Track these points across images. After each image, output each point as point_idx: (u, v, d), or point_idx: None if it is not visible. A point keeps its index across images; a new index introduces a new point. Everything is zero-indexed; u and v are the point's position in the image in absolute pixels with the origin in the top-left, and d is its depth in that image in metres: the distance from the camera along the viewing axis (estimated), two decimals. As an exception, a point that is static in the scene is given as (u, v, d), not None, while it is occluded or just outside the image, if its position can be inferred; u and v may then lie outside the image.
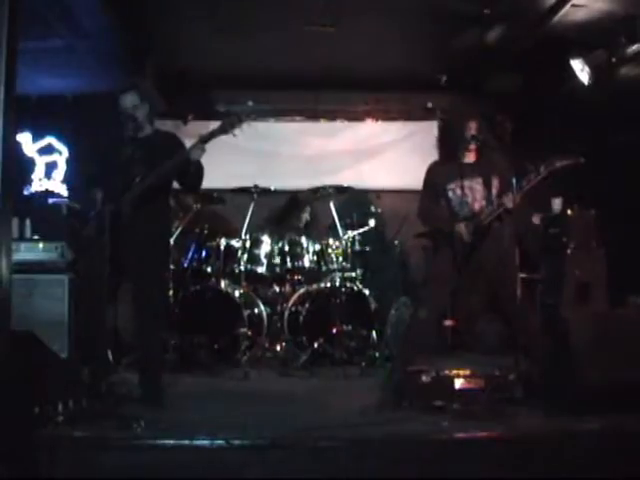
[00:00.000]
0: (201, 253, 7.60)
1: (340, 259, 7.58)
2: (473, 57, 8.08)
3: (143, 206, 5.11)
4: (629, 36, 6.82)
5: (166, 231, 5.87)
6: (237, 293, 7.26)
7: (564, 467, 4.07)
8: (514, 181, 5.01)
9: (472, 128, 5.26)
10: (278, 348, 7.33)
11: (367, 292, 7.40)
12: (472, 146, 5.28)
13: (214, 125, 5.20)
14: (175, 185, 5.48)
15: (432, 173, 5.49)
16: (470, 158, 5.33)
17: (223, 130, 5.15)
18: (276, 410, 5.20)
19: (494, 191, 5.24)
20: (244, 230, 7.62)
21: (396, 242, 8.55)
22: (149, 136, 5.37)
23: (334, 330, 7.09)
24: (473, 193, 5.25)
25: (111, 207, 5.04)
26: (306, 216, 8.61)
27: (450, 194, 5.30)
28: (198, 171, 5.26)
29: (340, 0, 6.73)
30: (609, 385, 4.57)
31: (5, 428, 3.74)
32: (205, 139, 5.13)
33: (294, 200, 8.74)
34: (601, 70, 7.18)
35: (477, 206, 5.24)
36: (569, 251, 7.40)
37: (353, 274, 7.63)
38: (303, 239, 7.64)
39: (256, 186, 7.80)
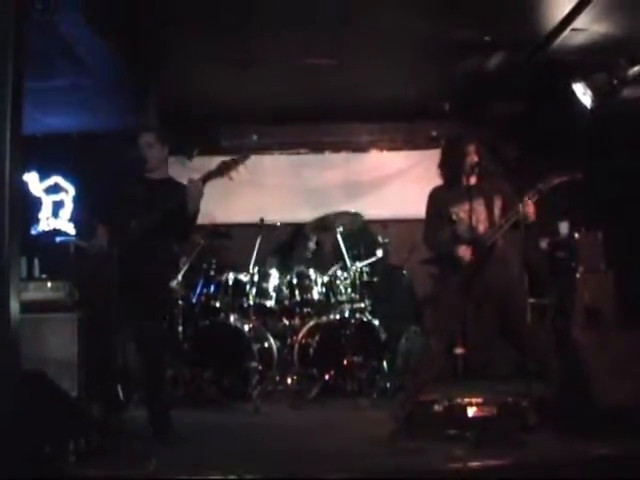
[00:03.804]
0: (209, 288, 7.58)
1: (349, 290, 7.56)
2: (476, 84, 8.12)
3: (147, 244, 5.10)
4: (630, 58, 6.86)
5: (170, 268, 5.88)
6: (246, 327, 7.23)
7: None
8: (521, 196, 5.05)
9: (472, 154, 5.28)
10: (289, 381, 7.30)
11: (377, 322, 7.37)
12: (473, 172, 5.29)
13: (214, 164, 5.18)
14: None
15: (434, 199, 5.50)
16: (472, 181, 5.34)
17: (219, 173, 5.14)
18: (288, 443, 5.16)
19: (497, 211, 5.25)
20: (252, 264, 7.62)
21: (404, 271, 8.52)
22: (160, 181, 5.35)
23: (345, 362, 7.06)
24: (477, 215, 5.26)
25: (117, 245, 5.04)
26: (312, 245, 8.59)
27: (454, 218, 5.30)
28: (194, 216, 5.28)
29: (342, 32, 6.77)
30: (623, 409, 4.53)
31: (16, 468, 3.72)
32: (202, 180, 5.11)
33: (300, 231, 8.73)
34: (603, 93, 7.20)
35: (481, 228, 5.25)
36: (578, 275, 7.37)
37: (362, 305, 7.58)
38: (311, 271, 7.64)
39: (262, 220, 7.82)
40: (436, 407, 5.07)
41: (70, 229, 9.02)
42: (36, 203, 9.00)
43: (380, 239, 8.42)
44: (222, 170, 5.13)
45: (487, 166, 5.30)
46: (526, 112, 8.60)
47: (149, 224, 5.05)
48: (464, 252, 5.18)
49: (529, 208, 5.07)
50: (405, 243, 8.27)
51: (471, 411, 5.02)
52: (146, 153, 5.30)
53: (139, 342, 5.21)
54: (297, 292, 7.53)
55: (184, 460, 4.53)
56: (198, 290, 7.61)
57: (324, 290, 7.59)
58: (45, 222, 8.99)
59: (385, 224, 9.16)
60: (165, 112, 8.00)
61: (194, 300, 7.57)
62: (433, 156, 5.73)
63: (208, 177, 5.12)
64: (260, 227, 7.80)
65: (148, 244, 5.09)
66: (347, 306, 7.47)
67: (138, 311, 5.14)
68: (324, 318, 7.47)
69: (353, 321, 7.29)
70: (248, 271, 7.55)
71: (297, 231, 8.83)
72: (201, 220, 5.40)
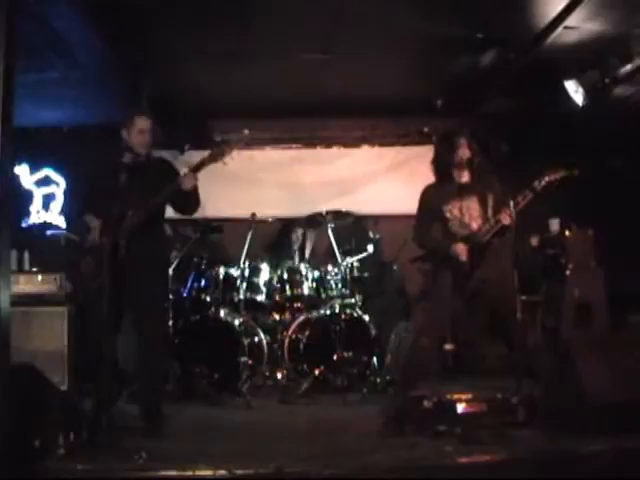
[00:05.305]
0: (200, 282, 7.55)
1: (339, 286, 7.56)
2: (468, 81, 8.11)
3: (140, 236, 5.09)
4: (621, 56, 6.87)
5: (165, 259, 5.87)
6: (237, 322, 7.23)
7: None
8: (510, 199, 5.02)
9: (464, 148, 5.27)
10: (279, 376, 7.29)
11: (367, 318, 7.36)
12: (466, 169, 5.29)
13: (204, 154, 5.18)
14: (172, 215, 5.50)
15: (427, 196, 5.46)
16: (464, 178, 5.33)
17: (212, 159, 5.12)
18: (278, 439, 5.16)
19: (489, 210, 5.23)
20: (243, 259, 7.61)
21: (395, 267, 8.51)
22: (143, 163, 5.29)
23: (335, 357, 7.07)
24: (470, 212, 5.24)
25: (109, 238, 5.02)
26: (297, 236, 8.57)
27: (447, 215, 5.28)
28: (195, 198, 5.26)
29: (336, 28, 6.75)
30: (612, 405, 4.54)
31: (6, 462, 3.71)
32: (195, 169, 5.10)
33: (288, 225, 8.74)
34: (595, 91, 7.21)
35: (475, 225, 5.23)
36: (568, 272, 7.40)
37: (352, 300, 7.59)
38: (302, 266, 7.64)
39: (254, 214, 7.82)
40: (426, 403, 5.08)
41: (61, 222, 9.00)
42: (27, 196, 8.97)
43: (371, 235, 8.42)
44: (216, 156, 5.12)
45: (479, 163, 5.29)
46: (518, 109, 8.61)
47: (146, 215, 5.06)
48: (461, 250, 5.16)
49: (508, 216, 5.04)
50: (396, 239, 8.24)
51: (460, 407, 5.03)
52: (139, 137, 5.25)
53: (137, 334, 5.21)
54: (288, 287, 7.51)
55: (174, 455, 4.52)
56: (189, 284, 7.58)
57: (315, 285, 7.57)
58: (36, 215, 8.97)
59: (376, 220, 9.15)
60: (157, 105, 7.96)
61: (185, 294, 7.54)
62: (425, 152, 5.76)
63: (201, 165, 5.12)
64: (252, 221, 7.80)
65: (146, 231, 5.10)
66: (337, 301, 7.47)
67: (138, 301, 5.16)
68: (314, 313, 7.46)
69: (343, 316, 7.29)
70: (239, 265, 7.54)
71: (284, 224, 8.83)
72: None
